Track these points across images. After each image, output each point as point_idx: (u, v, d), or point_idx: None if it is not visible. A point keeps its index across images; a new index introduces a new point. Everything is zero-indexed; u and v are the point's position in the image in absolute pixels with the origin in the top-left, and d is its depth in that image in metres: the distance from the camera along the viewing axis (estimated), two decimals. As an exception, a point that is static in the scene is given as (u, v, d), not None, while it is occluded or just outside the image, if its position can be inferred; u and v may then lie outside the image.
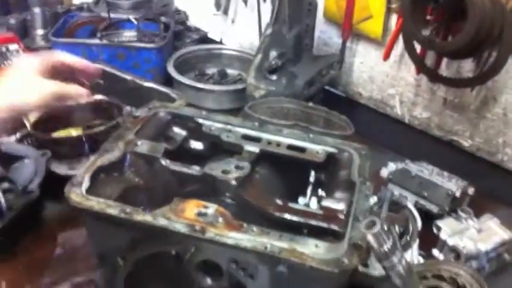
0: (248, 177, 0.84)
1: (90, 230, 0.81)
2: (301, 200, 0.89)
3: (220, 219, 0.74)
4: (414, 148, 1.35)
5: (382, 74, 1.47)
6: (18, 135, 1.26)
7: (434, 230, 1.02)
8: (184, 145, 0.96)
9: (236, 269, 0.73)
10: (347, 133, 1.22)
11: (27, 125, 1.28)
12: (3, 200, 1.00)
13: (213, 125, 0.97)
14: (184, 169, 0.86)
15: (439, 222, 1.02)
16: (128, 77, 1.46)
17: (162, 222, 0.73)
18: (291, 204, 0.83)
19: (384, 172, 1.18)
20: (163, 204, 0.76)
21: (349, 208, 0.80)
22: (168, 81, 1.61)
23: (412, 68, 1.36)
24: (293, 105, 1.31)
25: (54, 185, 0.90)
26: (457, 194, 1.09)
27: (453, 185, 1.10)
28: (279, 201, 0.83)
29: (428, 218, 1.07)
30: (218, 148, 0.95)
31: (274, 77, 1.38)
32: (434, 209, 1.11)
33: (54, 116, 1.31)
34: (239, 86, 1.54)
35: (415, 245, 0.99)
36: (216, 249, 0.72)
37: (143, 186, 0.87)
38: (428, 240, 1.02)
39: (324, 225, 0.79)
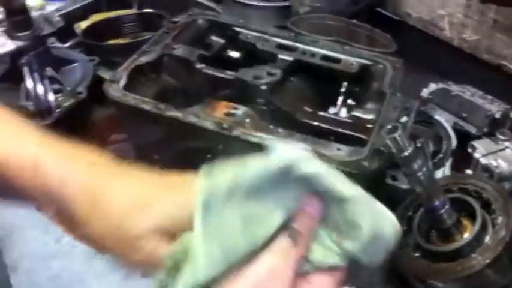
0: (279, 84, 0.87)
1: (127, 124, 0.86)
2: (332, 109, 0.91)
3: (248, 120, 0.77)
4: (461, 72, 1.33)
5: (432, -7, 1.42)
6: (71, 42, 1.32)
7: (470, 150, 1.02)
8: (221, 52, 0.98)
9: None
10: (388, 50, 1.21)
11: (78, 33, 1.33)
12: (53, 99, 1.06)
13: (249, 33, 0.98)
14: (218, 73, 0.89)
15: (475, 143, 1.01)
16: (176, -11, 1.47)
17: (191, 119, 0.76)
18: (321, 113, 0.86)
19: (425, 92, 1.17)
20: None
21: (377, 117, 0.82)
22: (217, -4, 1.61)
23: (464, -14, 1.31)
24: (336, 22, 1.30)
25: (101, 90, 0.94)
26: (497, 116, 1.07)
27: (494, 107, 1.09)
28: (308, 109, 0.85)
29: (467, 140, 1.06)
30: (254, 57, 0.97)
31: (319, -7, 1.37)
32: (472, 130, 1.10)
33: (105, 25, 1.36)
34: (285, 3, 1.53)
35: (448, 164, 0.99)
36: (242, 148, 0.75)
37: (178, 88, 0.90)
38: (464, 161, 1.02)
39: (351, 133, 0.81)
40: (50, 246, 0.92)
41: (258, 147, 0.72)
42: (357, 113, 0.86)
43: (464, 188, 0.84)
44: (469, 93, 1.13)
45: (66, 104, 1.08)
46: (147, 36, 1.25)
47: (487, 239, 0.76)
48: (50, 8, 1.36)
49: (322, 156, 0.71)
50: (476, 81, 1.19)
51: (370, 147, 0.75)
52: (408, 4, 1.50)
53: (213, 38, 1.00)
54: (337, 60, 0.95)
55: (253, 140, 0.74)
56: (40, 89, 1.06)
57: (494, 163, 0.97)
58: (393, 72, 0.92)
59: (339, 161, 0.72)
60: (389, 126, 0.69)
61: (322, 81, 0.94)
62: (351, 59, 0.95)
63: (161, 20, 1.36)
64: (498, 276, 0.77)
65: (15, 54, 1.10)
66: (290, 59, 0.93)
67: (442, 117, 1.09)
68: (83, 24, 1.35)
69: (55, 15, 1.25)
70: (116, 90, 0.80)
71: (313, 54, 0.95)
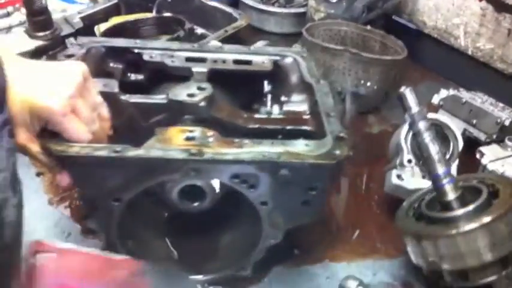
0: (211, 97, 0.83)
1: (78, 177, 0.72)
2: (263, 109, 0.91)
3: (211, 139, 0.74)
4: (474, 80, 1.33)
5: (447, 2, 1.43)
6: (89, 44, 1.35)
7: (477, 156, 1.02)
8: (123, 79, 0.92)
9: (238, 183, 0.74)
10: (399, 57, 1.22)
11: (97, 34, 1.36)
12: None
13: (152, 52, 0.94)
14: (148, 100, 0.83)
15: (483, 148, 1.02)
16: (194, -4, 1.51)
17: (156, 153, 0.70)
18: (257, 115, 0.87)
19: (435, 99, 1.17)
20: (132, 141, 0.73)
21: (315, 107, 0.84)
22: (235, 1, 1.64)
23: (479, -4, 1.32)
24: (350, 28, 1.32)
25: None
26: (507, 123, 1.07)
27: (504, 114, 1.09)
28: (245, 114, 0.85)
29: (476, 146, 1.06)
30: (161, 76, 0.92)
31: (334, 0, 1.38)
32: (482, 136, 1.10)
33: (123, 28, 1.39)
34: (301, 9, 1.55)
35: (454, 166, 0.99)
36: (217, 168, 0.73)
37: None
38: (471, 166, 1.03)
39: (296, 127, 0.83)
40: (60, 239, 0.94)
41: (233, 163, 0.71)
42: (288, 108, 0.88)
43: (482, 180, 0.85)
44: (479, 100, 1.13)
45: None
46: (164, 39, 1.28)
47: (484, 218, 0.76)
48: (72, 10, 1.40)
49: (298, 156, 0.72)
50: (488, 89, 1.19)
51: (331, 136, 0.76)
52: (424, 13, 1.50)
53: (112, 64, 0.94)
54: (248, 62, 0.95)
55: (228, 158, 0.71)
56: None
57: (501, 169, 0.97)
58: (306, 62, 0.94)
59: (315, 155, 0.72)
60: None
61: (241, 85, 0.94)
62: (261, 58, 0.95)
63: (179, 24, 1.39)
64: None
65: (35, 53, 1.13)
66: (205, 70, 0.91)
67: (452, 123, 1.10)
68: (102, 27, 1.38)
69: (76, 17, 1.29)
70: (59, 145, 0.70)
71: (224, 61, 0.94)
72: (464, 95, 1.14)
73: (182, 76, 0.91)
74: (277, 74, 0.95)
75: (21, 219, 0.59)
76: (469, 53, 1.42)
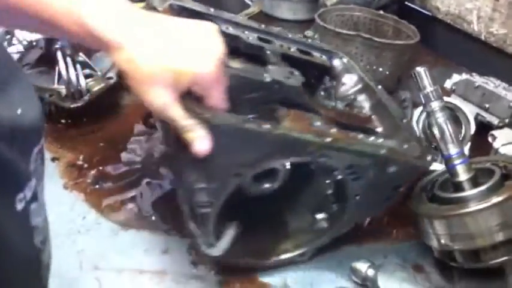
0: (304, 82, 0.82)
1: (216, 147, 0.68)
2: (327, 102, 0.93)
3: (333, 129, 0.75)
4: (487, 65, 1.32)
5: (460, -14, 1.42)
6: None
7: (490, 139, 1.02)
8: None
9: (349, 173, 0.76)
10: (411, 42, 1.21)
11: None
12: (84, 83, 1.11)
13: (226, 24, 0.88)
14: (252, 75, 0.79)
15: (495, 132, 1.02)
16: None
17: (297, 135, 0.71)
18: (329, 106, 0.89)
19: (448, 83, 1.17)
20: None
21: (376, 109, 0.87)
22: (247, -12, 1.65)
23: (492, -20, 1.31)
24: (363, 13, 1.31)
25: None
26: (519, 107, 1.07)
27: (517, 98, 1.09)
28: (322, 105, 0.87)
29: (488, 130, 1.07)
30: (232, 50, 0.80)
31: (346, -15, 1.38)
32: (494, 120, 1.10)
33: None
34: (313, -5, 1.55)
35: (466, 149, 0.99)
36: (341, 156, 0.74)
37: None
38: (483, 149, 1.03)
39: (361, 124, 0.85)
40: (76, 222, 0.95)
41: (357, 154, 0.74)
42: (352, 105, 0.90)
43: (495, 162, 0.86)
44: (492, 84, 1.12)
45: (97, 88, 1.13)
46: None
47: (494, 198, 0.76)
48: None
49: (405, 156, 0.76)
50: (501, 74, 1.18)
51: (415, 140, 0.79)
52: (437, -2, 1.50)
53: None
54: (308, 53, 0.94)
55: (356, 148, 0.73)
56: (72, 74, 1.11)
57: (513, 152, 0.97)
58: (358, 65, 0.96)
59: (415, 156, 0.76)
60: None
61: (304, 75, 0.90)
62: (317, 53, 0.96)
63: (197, 15, 1.39)
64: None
65: (49, 40, 1.15)
66: (279, 52, 0.88)
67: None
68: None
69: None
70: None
71: (288, 47, 0.92)
72: (477, 79, 1.14)
73: (251, 54, 0.86)
74: (333, 71, 0.95)
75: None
76: (482, 38, 1.41)
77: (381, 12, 1.31)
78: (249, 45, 0.87)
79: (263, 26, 0.93)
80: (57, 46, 1.13)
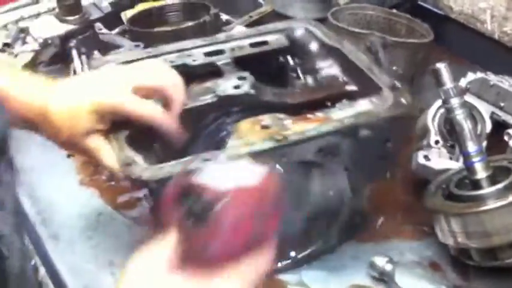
0: (255, 83, 0.82)
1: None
2: (298, 83, 0.92)
3: (286, 122, 0.73)
4: (501, 64, 1.31)
5: (474, -15, 1.42)
6: (117, 29, 1.37)
7: (505, 138, 1.01)
8: None
9: (322, 156, 0.74)
10: (425, 40, 1.21)
11: (124, 20, 1.38)
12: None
13: (168, 57, 0.89)
14: (197, 103, 0.80)
15: (511, 131, 1.01)
16: (218, -19, 1.51)
17: (244, 150, 0.68)
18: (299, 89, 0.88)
19: (462, 82, 1.17)
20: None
21: (347, 68, 0.86)
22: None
23: (507, -22, 1.30)
24: (376, 12, 1.31)
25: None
26: (535, 106, 1.07)
27: (533, 96, 1.08)
28: (288, 91, 0.87)
29: (504, 129, 1.05)
30: (185, 78, 0.82)
31: (359, -17, 1.38)
32: (510, 119, 1.09)
33: (149, 14, 1.41)
34: (326, -6, 1.54)
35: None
36: (303, 148, 0.73)
37: None
38: (499, 148, 1.02)
39: (345, 90, 0.85)
40: (91, 218, 0.96)
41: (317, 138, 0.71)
42: (321, 75, 0.89)
43: None
44: (507, 83, 1.12)
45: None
46: (190, 24, 1.30)
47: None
48: (99, -3, 1.42)
49: (373, 113, 0.75)
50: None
51: (387, 88, 0.77)
52: (450, -3, 1.49)
53: None
54: (265, 43, 0.94)
55: (312, 134, 0.71)
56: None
57: (529, 151, 0.97)
58: (317, 28, 0.95)
59: (385, 109, 0.75)
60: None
61: (263, 66, 0.92)
62: (273, 36, 0.95)
63: (204, 10, 1.40)
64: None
65: (64, 38, 1.16)
66: (229, 60, 0.88)
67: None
68: (129, 13, 1.40)
69: (104, 2, 1.31)
70: None
71: (241, 47, 0.92)
72: (492, 78, 1.13)
73: (206, 73, 0.88)
74: (294, 47, 0.95)
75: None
76: (496, 37, 1.40)
77: (394, 11, 1.31)
78: (197, 67, 0.88)
79: (207, 39, 0.94)
80: (72, 44, 1.14)
